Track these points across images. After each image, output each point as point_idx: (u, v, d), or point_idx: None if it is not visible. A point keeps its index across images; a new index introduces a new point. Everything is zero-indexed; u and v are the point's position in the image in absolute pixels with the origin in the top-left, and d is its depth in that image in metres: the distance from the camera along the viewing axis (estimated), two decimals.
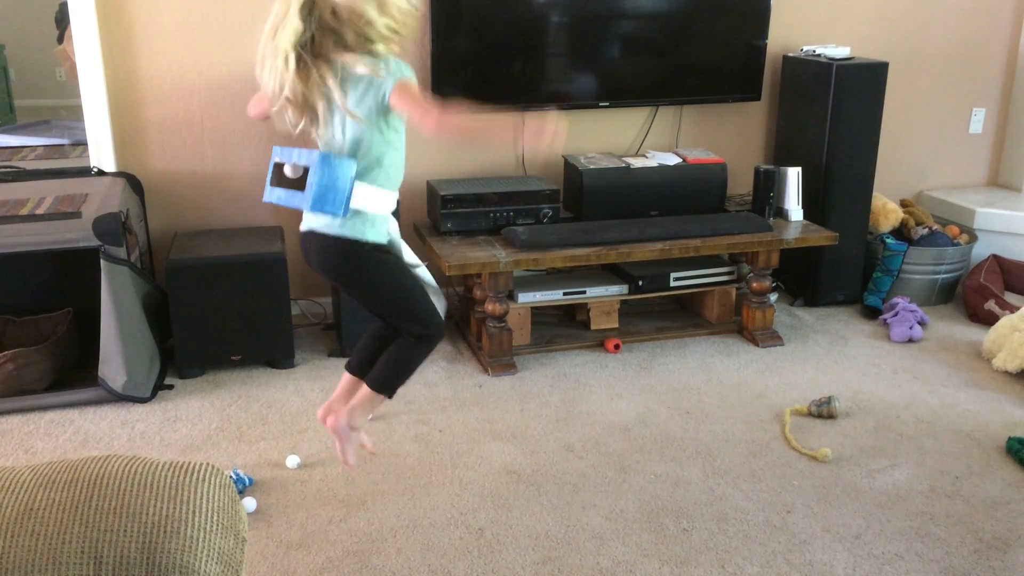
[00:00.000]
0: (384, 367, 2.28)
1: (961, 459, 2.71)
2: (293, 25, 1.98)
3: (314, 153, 2.09)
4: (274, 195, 2.16)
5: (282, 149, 2.16)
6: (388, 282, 2.21)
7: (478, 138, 2.23)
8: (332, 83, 2.01)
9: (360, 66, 2.02)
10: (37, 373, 2.99)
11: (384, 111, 2.06)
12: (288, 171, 2.12)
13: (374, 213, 2.13)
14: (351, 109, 2.04)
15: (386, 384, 2.28)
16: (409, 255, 2.28)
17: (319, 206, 2.06)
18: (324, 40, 2.01)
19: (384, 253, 2.19)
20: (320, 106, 2.04)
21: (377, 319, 2.33)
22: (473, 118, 2.03)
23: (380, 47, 2.05)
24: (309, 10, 1.99)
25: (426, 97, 2.06)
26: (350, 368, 2.37)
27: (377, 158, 2.10)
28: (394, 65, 2.05)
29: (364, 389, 2.29)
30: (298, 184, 2.09)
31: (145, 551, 1.28)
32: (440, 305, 2.29)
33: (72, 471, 1.40)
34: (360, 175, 2.09)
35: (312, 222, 2.15)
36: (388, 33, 2.03)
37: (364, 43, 2.03)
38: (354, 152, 2.09)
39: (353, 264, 2.16)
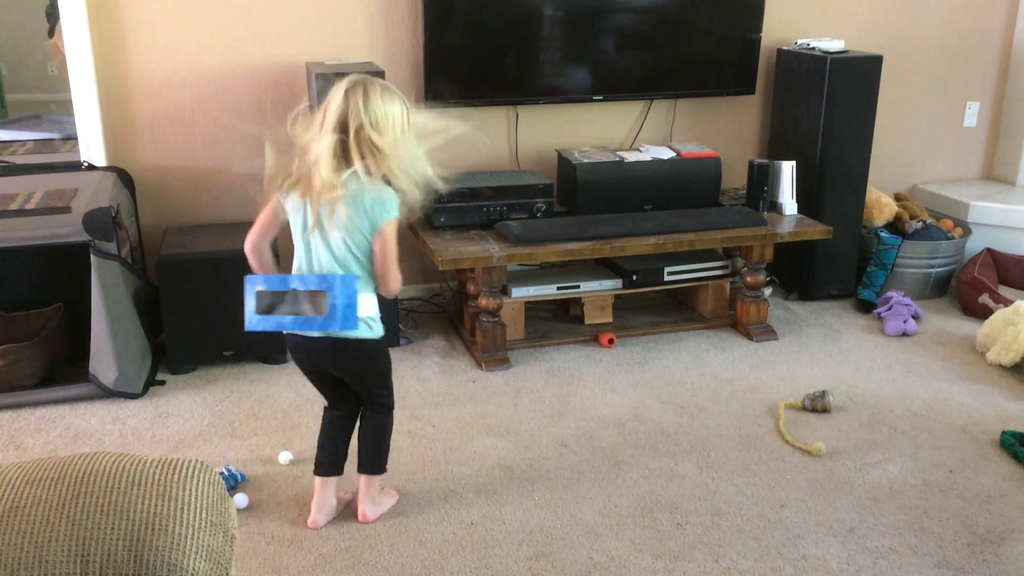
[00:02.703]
0: (369, 449, 2.35)
1: (955, 453, 2.71)
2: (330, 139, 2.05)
3: (332, 276, 2.12)
4: (271, 323, 2.14)
5: (266, 278, 2.16)
6: (384, 361, 2.33)
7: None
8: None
9: (369, 193, 2.09)
10: (27, 369, 2.97)
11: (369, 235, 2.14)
12: (294, 296, 2.13)
13: (375, 313, 2.22)
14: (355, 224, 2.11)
15: (379, 462, 2.36)
16: None
17: (347, 324, 2.12)
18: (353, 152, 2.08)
19: (383, 342, 2.29)
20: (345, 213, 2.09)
21: (336, 402, 2.37)
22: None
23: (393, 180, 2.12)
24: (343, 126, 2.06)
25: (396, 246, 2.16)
26: (323, 471, 2.36)
27: (366, 268, 2.17)
28: (392, 202, 2.12)
29: (363, 480, 2.35)
30: (311, 308, 2.12)
31: (133, 549, 1.27)
32: None
33: (59, 468, 1.39)
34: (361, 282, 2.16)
35: (326, 329, 2.17)
36: (399, 173, 2.10)
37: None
38: (350, 266, 2.15)
39: (368, 359, 2.27)
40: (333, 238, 2.11)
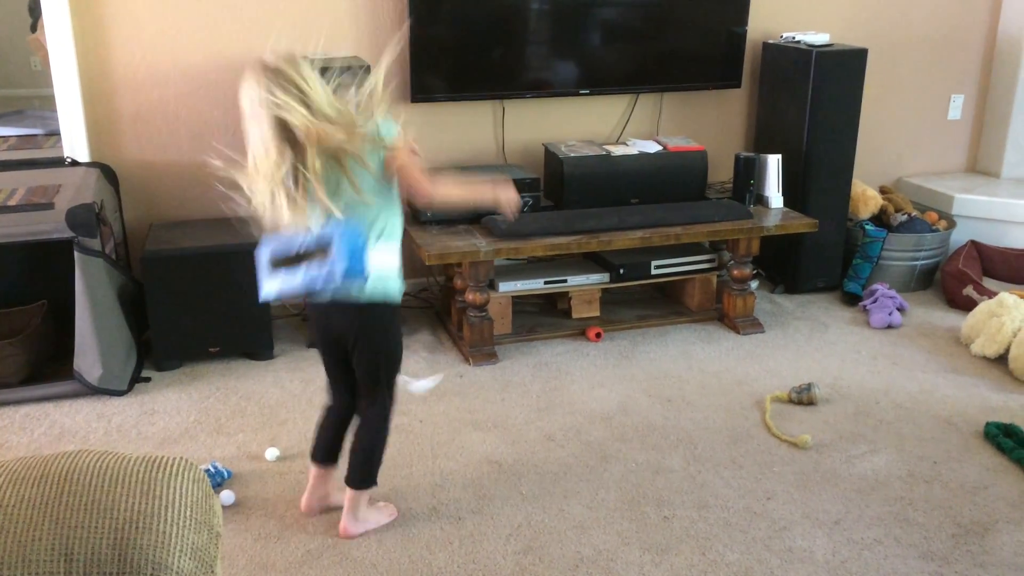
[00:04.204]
0: (359, 459, 2.25)
1: (940, 444, 2.73)
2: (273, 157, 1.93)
3: (333, 227, 2.01)
4: (288, 283, 2.05)
5: (274, 239, 2.07)
6: (395, 341, 2.25)
7: (462, 203, 2.27)
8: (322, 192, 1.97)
9: (350, 154, 1.98)
10: (11, 367, 2.95)
11: (379, 177, 2.04)
12: (300, 255, 2.05)
13: (390, 269, 2.13)
14: (364, 192, 2.01)
15: (368, 476, 2.26)
16: None
17: (350, 276, 2.02)
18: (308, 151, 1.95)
19: (398, 312, 2.22)
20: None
21: (342, 394, 2.30)
22: (459, 184, 2.18)
23: (359, 133, 1.99)
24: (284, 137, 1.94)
25: (420, 165, 2.08)
26: (318, 458, 2.32)
27: (380, 217, 2.08)
28: (379, 130, 2.02)
29: (349, 493, 2.25)
30: (315, 261, 2.04)
31: (117, 547, 1.26)
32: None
33: (42, 467, 1.38)
34: (371, 236, 2.07)
35: (337, 291, 2.10)
36: (344, 133, 1.95)
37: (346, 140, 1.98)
38: (355, 216, 2.05)
39: (382, 326, 2.18)
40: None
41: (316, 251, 2.03)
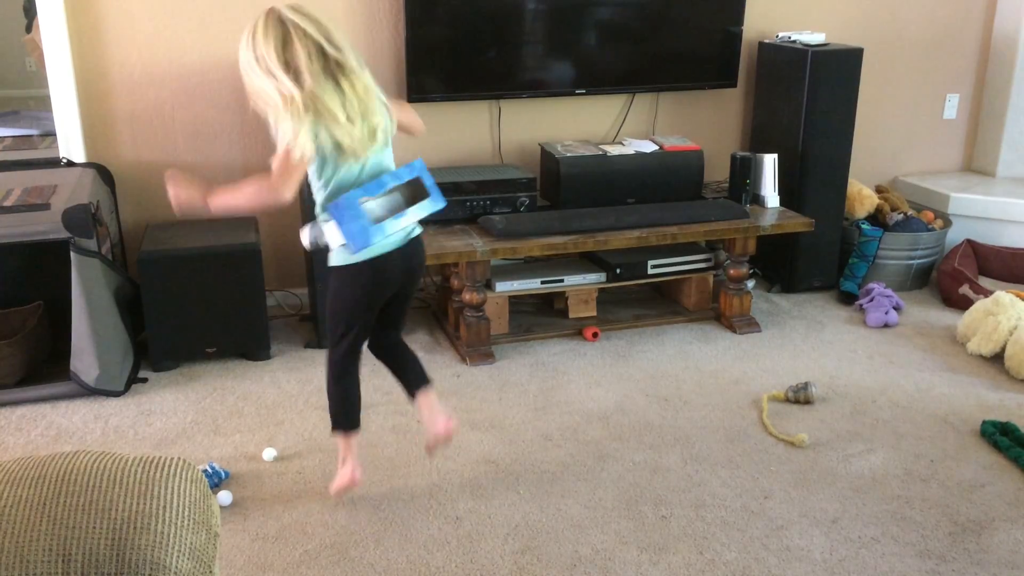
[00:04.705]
0: (419, 365, 2.50)
1: (936, 443, 2.73)
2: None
3: (412, 163, 2.23)
4: (380, 236, 2.14)
5: (364, 189, 2.13)
6: None
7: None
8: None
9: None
10: (8, 368, 2.94)
11: None
12: (394, 194, 2.17)
13: None
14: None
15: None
16: None
17: (441, 199, 2.26)
18: None
19: None
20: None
21: (376, 334, 2.42)
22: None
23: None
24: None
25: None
26: (413, 391, 2.46)
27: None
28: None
29: (431, 395, 2.46)
30: (412, 198, 2.20)
31: (115, 548, 1.26)
32: None
33: (39, 467, 1.38)
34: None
35: (414, 226, 2.27)
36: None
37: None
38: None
39: (424, 258, 2.37)
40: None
41: (406, 184, 2.16)
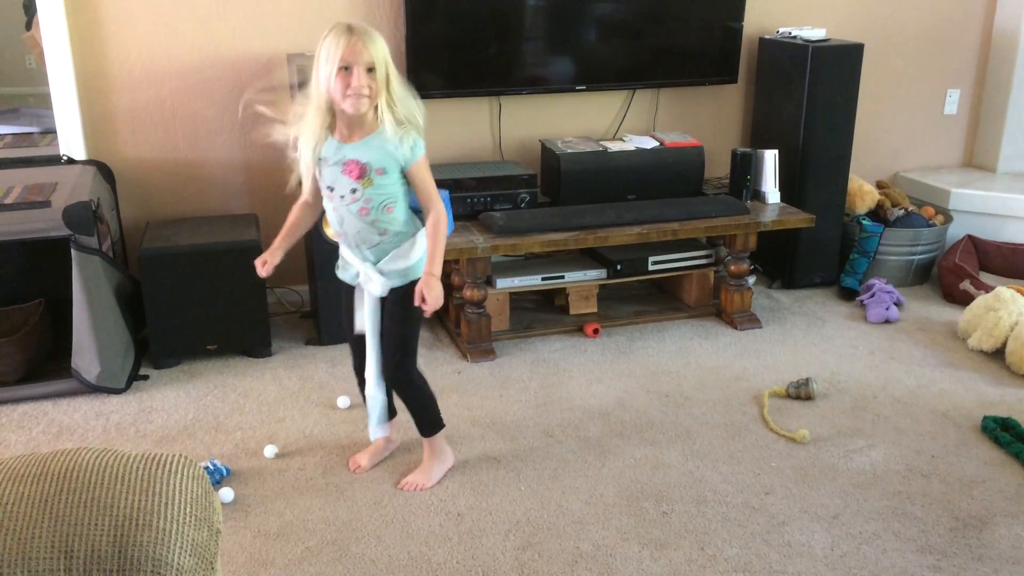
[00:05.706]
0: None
1: (937, 438, 2.74)
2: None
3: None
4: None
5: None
6: None
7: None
8: None
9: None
10: (9, 365, 2.94)
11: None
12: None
13: None
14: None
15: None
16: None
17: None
18: None
19: None
20: None
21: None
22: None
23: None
24: None
25: None
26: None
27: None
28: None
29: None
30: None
31: (117, 544, 1.26)
32: None
33: (41, 464, 1.38)
34: None
35: None
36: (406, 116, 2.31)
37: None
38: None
39: None
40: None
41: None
